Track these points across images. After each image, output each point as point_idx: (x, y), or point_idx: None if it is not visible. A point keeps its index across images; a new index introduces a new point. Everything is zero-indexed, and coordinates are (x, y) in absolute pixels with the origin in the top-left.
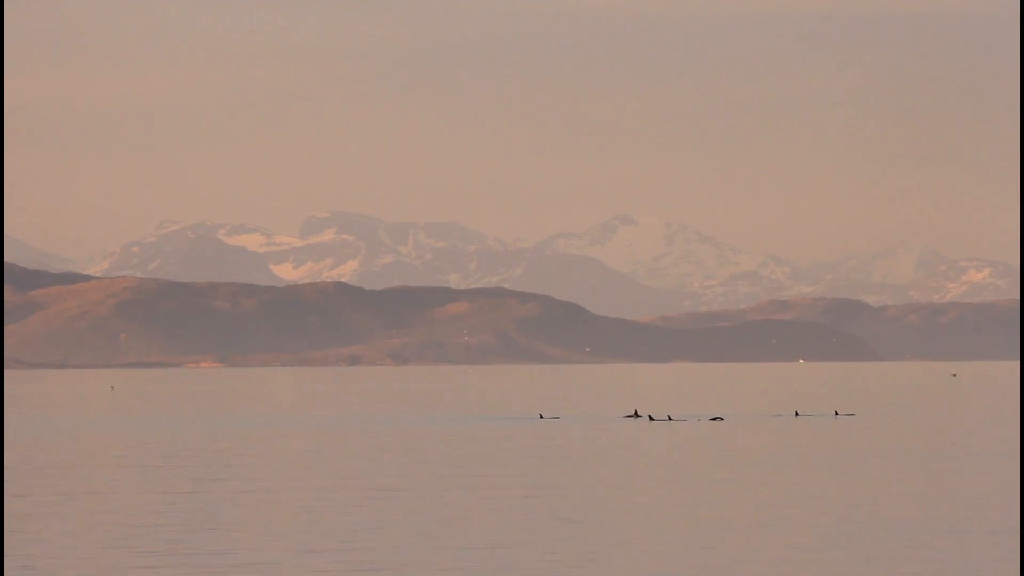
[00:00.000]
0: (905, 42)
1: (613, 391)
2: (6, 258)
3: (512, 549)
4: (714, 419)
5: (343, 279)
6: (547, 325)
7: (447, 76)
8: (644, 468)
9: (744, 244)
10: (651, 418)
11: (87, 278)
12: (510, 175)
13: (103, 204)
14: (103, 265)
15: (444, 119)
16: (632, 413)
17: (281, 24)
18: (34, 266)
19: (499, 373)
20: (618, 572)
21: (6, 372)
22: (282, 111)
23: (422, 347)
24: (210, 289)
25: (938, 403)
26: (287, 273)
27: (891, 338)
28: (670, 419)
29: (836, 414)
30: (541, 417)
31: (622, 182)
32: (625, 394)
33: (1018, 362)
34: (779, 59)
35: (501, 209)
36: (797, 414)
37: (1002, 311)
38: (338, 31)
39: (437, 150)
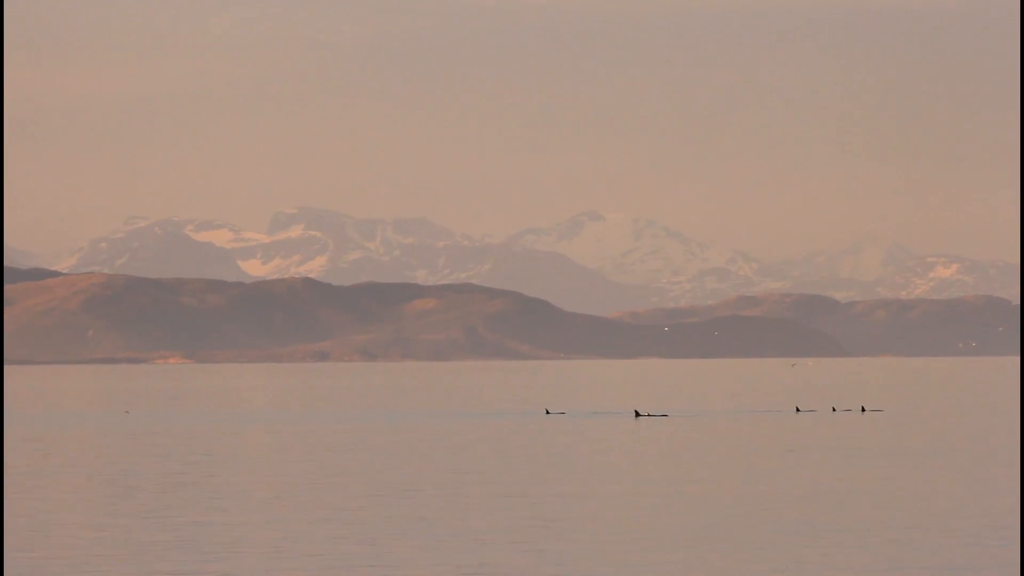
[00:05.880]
0: (873, 38)
1: (602, 386)
2: None
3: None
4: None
5: (311, 275)
6: (515, 321)
7: (415, 72)
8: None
9: (712, 240)
10: (645, 413)
11: (54, 274)
12: (478, 171)
13: (70, 200)
14: (71, 261)
15: (411, 115)
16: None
17: (249, 20)
18: None
19: (473, 370)
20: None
21: None
22: (250, 107)
23: (390, 343)
24: (178, 285)
25: (949, 399)
26: (255, 269)
27: (859, 334)
28: (649, 415)
29: (863, 410)
30: (547, 413)
31: (589, 177)
32: (617, 389)
33: (987, 359)
34: (747, 55)
35: (469, 205)
36: (798, 410)
37: (970, 307)
38: (306, 28)
39: (405, 146)
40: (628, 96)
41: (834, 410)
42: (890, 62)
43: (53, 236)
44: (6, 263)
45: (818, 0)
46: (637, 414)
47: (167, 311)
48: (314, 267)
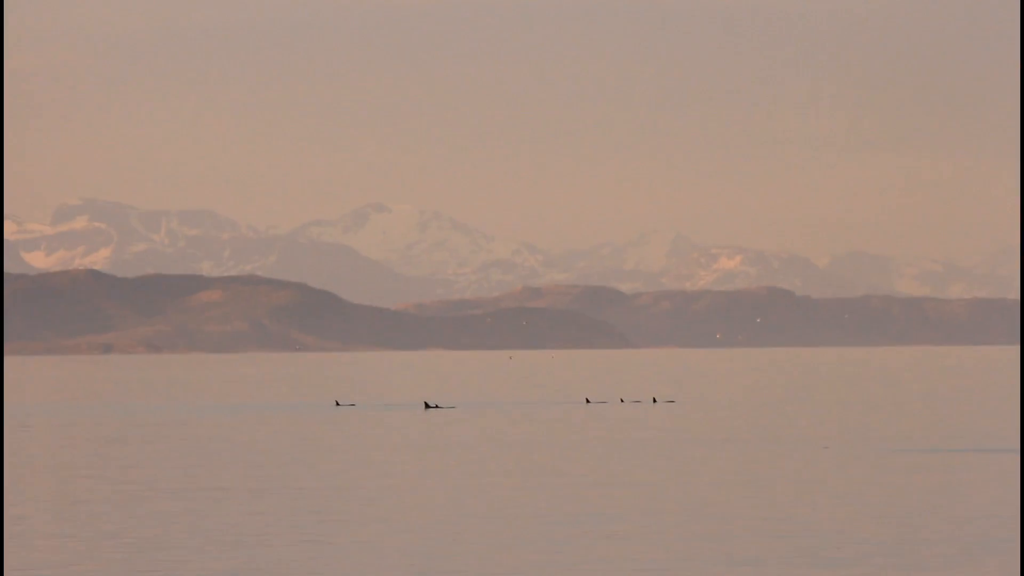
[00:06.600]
0: (640, 32)
1: (391, 378)
2: None
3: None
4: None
5: (96, 267)
6: (301, 313)
7: (199, 64)
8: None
9: (497, 231)
10: (434, 405)
11: None
12: (263, 162)
13: None
14: None
15: (197, 107)
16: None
17: (32, 11)
18: None
19: (259, 362)
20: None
21: None
22: (33, 96)
23: (175, 335)
24: None
25: (739, 389)
26: (39, 261)
27: (643, 325)
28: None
29: (655, 401)
30: (337, 404)
31: (374, 169)
32: (406, 381)
33: (764, 350)
34: (515, 46)
35: (254, 197)
36: (588, 401)
37: (754, 298)
38: (92, 20)
39: (190, 138)
40: (413, 88)
41: (622, 401)
42: (662, 56)
43: None
44: None
45: None
46: (427, 406)
47: None
48: (98, 259)
